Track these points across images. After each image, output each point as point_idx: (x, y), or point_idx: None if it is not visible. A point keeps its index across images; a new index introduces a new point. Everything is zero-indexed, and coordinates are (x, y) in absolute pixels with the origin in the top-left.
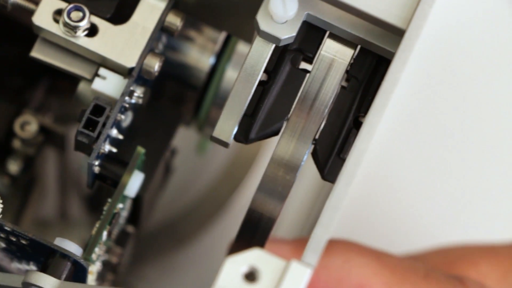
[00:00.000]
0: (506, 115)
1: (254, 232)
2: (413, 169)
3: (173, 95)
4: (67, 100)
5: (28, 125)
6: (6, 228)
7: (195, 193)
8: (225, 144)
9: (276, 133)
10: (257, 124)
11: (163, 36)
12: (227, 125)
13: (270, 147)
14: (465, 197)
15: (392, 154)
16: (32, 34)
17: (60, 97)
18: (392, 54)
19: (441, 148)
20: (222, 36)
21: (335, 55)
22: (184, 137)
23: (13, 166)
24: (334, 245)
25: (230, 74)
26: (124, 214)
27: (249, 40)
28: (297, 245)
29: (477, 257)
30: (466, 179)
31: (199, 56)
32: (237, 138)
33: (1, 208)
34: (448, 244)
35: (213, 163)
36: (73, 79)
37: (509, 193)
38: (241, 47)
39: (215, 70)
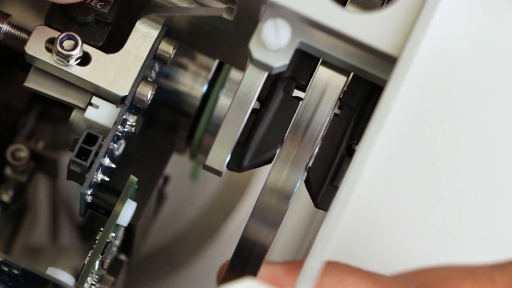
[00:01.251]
0: (484, 147)
1: (246, 260)
2: (398, 196)
3: (166, 122)
4: (58, 126)
5: (19, 153)
6: None
7: (188, 219)
8: (218, 173)
9: (269, 161)
10: (250, 152)
11: (156, 64)
12: (220, 154)
13: (262, 173)
14: (447, 222)
15: (379, 180)
16: (23, 60)
17: (51, 124)
18: (384, 81)
19: (427, 175)
20: (215, 63)
21: (327, 83)
22: (176, 164)
23: (4, 194)
24: (327, 266)
25: (224, 101)
26: (117, 242)
27: (242, 67)
28: (290, 267)
29: (458, 278)
30: (449, 205)
31: (192, 83)
32: (230, 166)
33: None
34: (430, 266)
35: (205, 189)
36: (64, 106)
37: (488, 219)
38: (234, 74)
39: (208, 97)
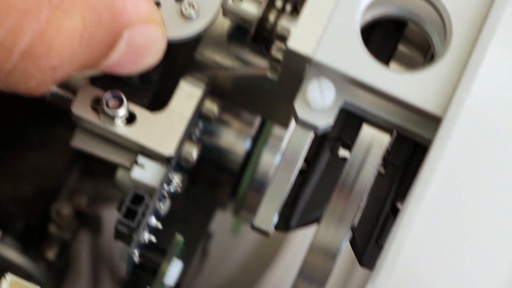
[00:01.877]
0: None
1: None
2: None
3: (209, 179)
4: (100, 182)
5: (63, 211)
6: None
7: (228, 272)
8: (265, 233)
9: (316, 221)
10: (298, 213)
11: (200, 122)
12: (267, 215)
13: None
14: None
15: (424, 238)
16: (64, 116)
17: (94, 179)
18: (428, 141)
19: (472, 233)
20: (258, 119)
21: (372, 141)
22: (217, 218)
23: (49, 252)
24: None
25: (267, 157)
26: None
27: (283, 123)
28: None
29: None
30: (497, 266)
31: (235, 140)
32: (277, 227)
33: None
34: None
35: (245, 242)
36: (106, 162)
37: None
38: (277, 130)
39: (251, 154)
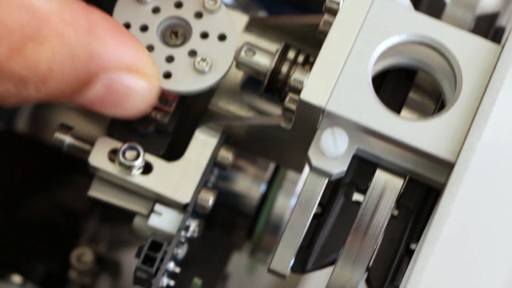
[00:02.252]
0: None
1: None
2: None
3: (225, 223)
4: (119, 227)
5: (84, 257)
6: None
7: None
8: (282, 276)
9: (331, 263)
10: (314, 256)
11: (215, 170)
12: (284, 258)
13: None
14: None
15: (438, 279)
16: (81, 164)
17: (112, 225)
18: (440, 184)
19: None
20: (272, 164)
21: (385, 186)
22: (235, 260)
23: None
24: None
25: (281, 201)
26: None
27: (297, 169)
28: None
29: None
30: None
31: (250, 184)
32: (294, 269)
33: None
34: None
35: (261, 281)
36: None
37: None
38: (291, 174)
39: (266, 198)
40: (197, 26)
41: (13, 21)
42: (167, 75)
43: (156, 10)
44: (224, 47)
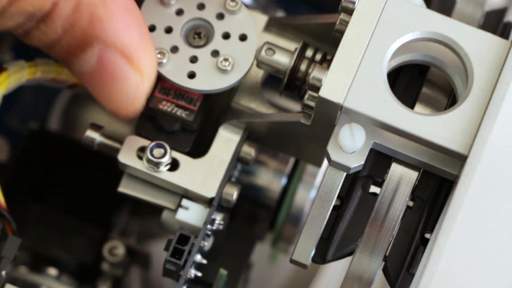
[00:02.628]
0: None
1: None
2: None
3: (248, 215)
4: (148, 220)
5: (116, 250)
6: None
7: None
8: (304, 266)
9: (350, 253)
10: (333, 246)
11: (238, 165)
12: (305, 249)
13: None
14: None
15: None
16: (112, 161)
17: (142, 218)
18: (454, 176)
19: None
20: (292, 158)
21: (401, 178)
22: (257, 249)
23: (103, 287)
24: None
25: (301, 193)
26: None
27: (315, 163)
28: None
29: None
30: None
31: (272, 178)
32: (314, 259)
33: None
34: None
35: (283, 270)
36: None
37: None
38: (310, 168)
39: (287, 190)
40: (219, 27)
41: None
42: (192, 75)
43: (179, 12)
44: (245, 46)
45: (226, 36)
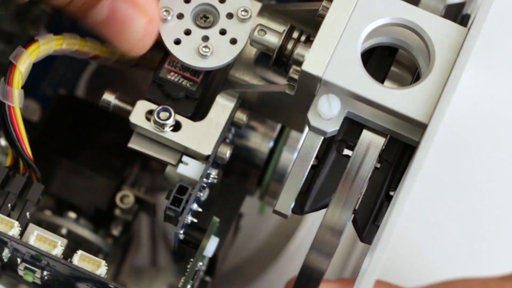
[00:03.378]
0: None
1: (308, 281)
2: (425, 224)
3: (240, 172)
4: (156, 176)
5: (126, 198)
6: (110, 286)
7: (256, 244)
8: (284, 216)
9: (325, 206)
10: (310, 200)
11: (232, 128)
12: (286, 201)
13: None
14: (466, 241)
15: (412, 213)
16: (127, 124)
17: (151, 174)
18: (416, 142)
19: (451, 208)
20: (278, 125)
21: (370, 143)
22: (247, 202)
23: (115, 230)
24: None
25: (286, 155)
26: (203, 268)
27: (298, 129)
28: (344, 284)
29: None
30: (466, 228)
31: (260, 141)
32: (294, 211)
33: (106, 266)
34: (451, 279)
35: (269, 220)
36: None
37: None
38: (294, 133)
39: (273, 152)
40: (222, 9)
41: None
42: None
43: (187, 0)
44: (243, 27)
45: (230, 15)
